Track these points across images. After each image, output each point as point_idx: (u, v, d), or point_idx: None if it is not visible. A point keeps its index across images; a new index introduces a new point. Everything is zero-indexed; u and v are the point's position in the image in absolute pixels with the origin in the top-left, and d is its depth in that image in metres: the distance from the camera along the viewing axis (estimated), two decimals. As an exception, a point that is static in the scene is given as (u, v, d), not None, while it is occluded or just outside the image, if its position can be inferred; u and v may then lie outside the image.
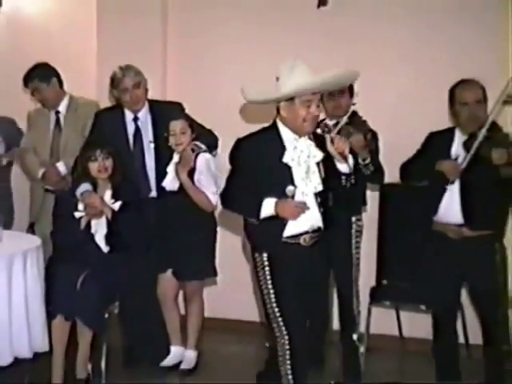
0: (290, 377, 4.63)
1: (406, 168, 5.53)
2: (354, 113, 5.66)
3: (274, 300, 4.62)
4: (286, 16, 6.56)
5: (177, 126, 5.62)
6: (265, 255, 4.61)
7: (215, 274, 5.92)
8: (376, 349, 6.17)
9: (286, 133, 4.63)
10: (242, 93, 4.65)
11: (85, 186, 5.55)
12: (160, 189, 5.81)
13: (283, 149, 4.60)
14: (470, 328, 6.00)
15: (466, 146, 5.12)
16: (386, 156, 5.66)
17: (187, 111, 5.91)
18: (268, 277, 4.61)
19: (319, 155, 4.64)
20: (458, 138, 5.26)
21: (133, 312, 5.91)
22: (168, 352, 5.94)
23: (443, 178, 5.14)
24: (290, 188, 4.55)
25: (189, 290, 5.91)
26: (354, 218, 5.81)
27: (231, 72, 6.70)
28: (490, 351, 5.36)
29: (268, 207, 4.51)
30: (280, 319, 4.60)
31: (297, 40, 6.52)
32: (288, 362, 4.62)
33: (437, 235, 5.31)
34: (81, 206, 5.53)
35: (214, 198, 5.61)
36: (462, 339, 5.86)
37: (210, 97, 6.73)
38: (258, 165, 4.56)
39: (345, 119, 5.61)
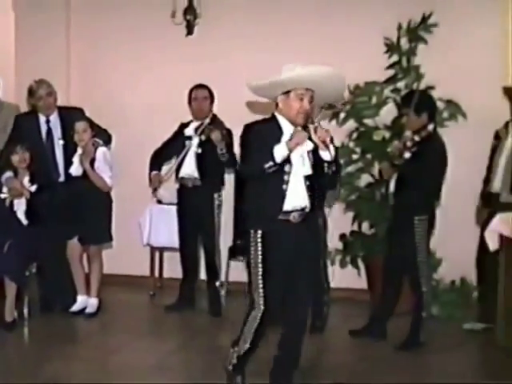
0: (249, 341, 4.72)
1: None
2: (214, 115, 6.54)
3: (260, 274, 4.63)
4: (161, 42, 7.43)
5: (80, 126, 6.37)
6: (259, 232, 4.63)
7: (111, 239, 6.72)
8: (233, 292, 7.03)
9: (284, 122, 4.68)
10: (248, 84, 4.79)
11: (8, 174, 6.29)
12: (67, 175, 6.54)
13: (281, 135, 4.65)
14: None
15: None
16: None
17: (88, 113, 6.66)
18: (259, 253, 4.63)
19: (310, 145, 4.67)
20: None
21: (47, 270, 6.56)
22: (75, 300, 6.64)
23: None
24: (288, 166, 4.60)
25: (91, 253, 6.67)
26: (216, 195, 6.61)
27: (123, 81, 7.55)
28: (317, 289, 6.10)
29: (280, 150, 4.51)
30: (261, 291, 4.62)
31: (171, 59, 7.43)
32: (253, 329, 4.67)
33: None
34: (5, 189, 6.27)
35: (110, 181, 6.47)
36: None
37: (106, 102, 7.46)
38: (261, 145, 4.57)
39: (207, 120, 6.47)
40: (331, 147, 4.61)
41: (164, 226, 7.13)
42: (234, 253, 7.15)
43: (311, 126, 4.58)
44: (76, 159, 6.47)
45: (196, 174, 6.60)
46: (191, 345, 5.99)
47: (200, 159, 6.59)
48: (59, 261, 6.64)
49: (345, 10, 7.10)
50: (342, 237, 7.07)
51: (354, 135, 6.96)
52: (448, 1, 6.81)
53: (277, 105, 4.72)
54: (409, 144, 5.76)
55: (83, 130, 6.40)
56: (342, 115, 6.91)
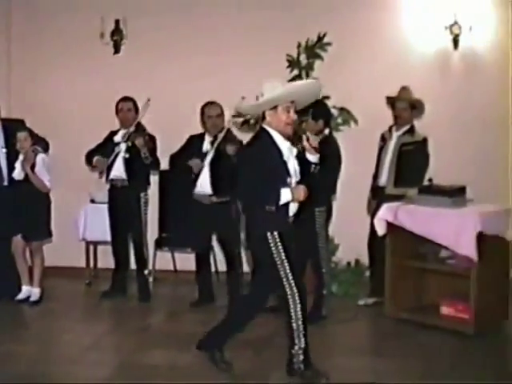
0: (301, 321, 4.86)
1: (173, 158, 6.78)
2: (139, 123, 6.89)
3: (287, 267, 4.84)
4: (92, 60, 7.77)
5: (21, 135, 6.73)
6: (276, 234, 4.83)
7: (51, 235, 7.05)
8: (160, 279, 7.47)
9: (276, 136, 4.88)
10: (237, 108, 5.12)
11: (-44, 179, 6.67)
12: (11, 179, 6.83)
13: (278, 149, 4.86)
14: (218, 261, 7.36)
15: (212, 143, 6.56)
16: (164, 151, 6.92)
17: (28, 124, 6.95)
18: (281, 250, 4.82)
19: (295, 151, 4.95)
20: (207, 139, 6.65)
21: (-6, 264, 6.92)
22: (20, 290, 6.94)
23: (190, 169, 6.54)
24: (289, 179, 4.86)
25: (33, 248, 6.96)
26: (142, 193, 6.92)
27: (59, 94, 7.88)
28: (230, 274, 6.72)
29: (286, 195, 4.76)
30: (292, 281, 4.82)
31: (101, 75, 7.79)
32: (299, 311, 4.83)
33: (196, 202, 6.59)
34: (-46, 193, 6.64)
35: (49, 184, 6.80)
36: (213, 269, 7.24)
37: (44, 113, 7.71)
38: (265, 164, 4.77)
39: (132, 128, 6.82)
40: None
41: (97, 223, 7.43)
42: (159, 244, 7.55)
43: (304, 136, 4.91)
44: (18, 165, 6.79)
45: (124, 176, 6.95)
46: (123, 326, 6.34)
47: (127, 163, 6.93)
48: (5, 255, 6.91)
49: (255, 33, 7.55)
50: (253, 227, 7.49)
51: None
52: (339, 23, 7.34)
53: (263, 119, 4.91)
54: (308, 147, 6.24)
55: (24, 139, 6.74)
56: (252, 121, 7.07)
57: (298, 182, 4.95)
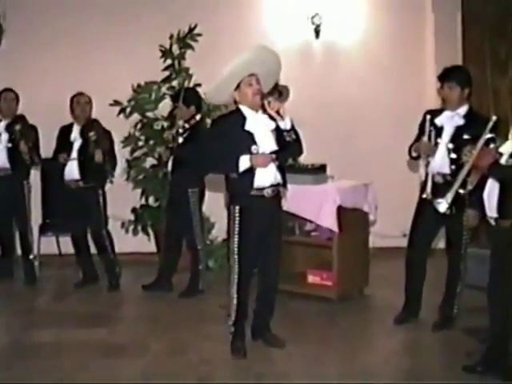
0: (235, 295, 4.99)
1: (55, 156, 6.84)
2: (21, 115, 6.94)
3: (236, 243, 4.95)
4: None
5: None
6: (237, 208, 4.95)
7: None
8: (46, 263, 7.43)
9: (245, 110, 4.95)
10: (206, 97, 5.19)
11: None
12: None
13: (245, 121, 4.92)
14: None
15: (81, 132, 6.70)
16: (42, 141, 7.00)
17: None
18: (236, 225, 4.94)
19: (272, 124, 4.96)
20: (75, 128, 6.77)
21: None
22: None
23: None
24: (254, 147, 4.87)
25: None
26: (25, 181, 6.98)
27: None
28: (101, 256, 6.83)
29: (245, 162, 4.81)
30: (236, 257, 4.95)
31: None
32: (235, 285, 4.97)
33: (68, 188, 6.69)
34: None
35: None
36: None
37: None
38: (228, 133, 4.84)
39: (18, 126, 6.79)
40: (287, 118, 4.93)
41: (-17, 211, 7.40)
42: (43, 230, 7.58)
43: (265, 102, 4.88)
44: None
45: (7, 165, 6.95)
46: (11, 308, 6.40)
47: (10, 152, 6.93)
48: None
49: (130, 26, 7.74)
50: (134, 210, 7.63)
51: (139, 126, 7.48)
52: (209, 16, 7.60)
53: (235, 101, 5.01)
54: (180, 131, 6.41)
55: None
56: (128, 110, 7.43)
57: (275, 153, 4.96)
